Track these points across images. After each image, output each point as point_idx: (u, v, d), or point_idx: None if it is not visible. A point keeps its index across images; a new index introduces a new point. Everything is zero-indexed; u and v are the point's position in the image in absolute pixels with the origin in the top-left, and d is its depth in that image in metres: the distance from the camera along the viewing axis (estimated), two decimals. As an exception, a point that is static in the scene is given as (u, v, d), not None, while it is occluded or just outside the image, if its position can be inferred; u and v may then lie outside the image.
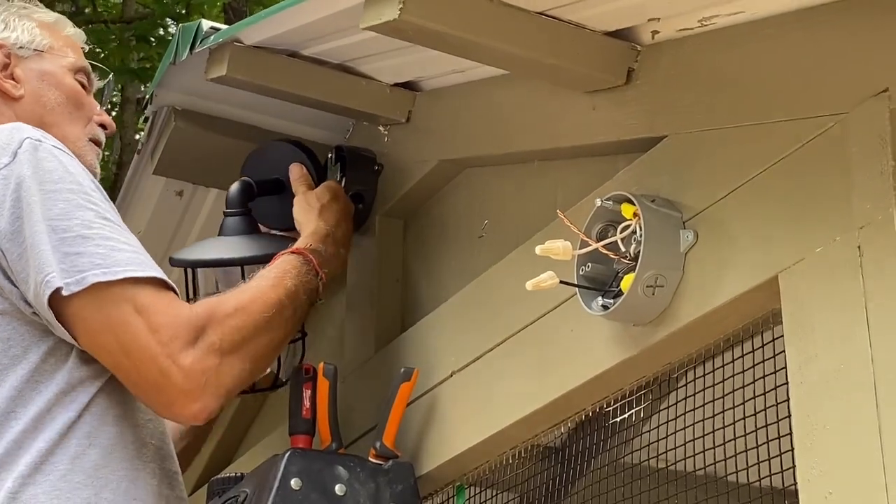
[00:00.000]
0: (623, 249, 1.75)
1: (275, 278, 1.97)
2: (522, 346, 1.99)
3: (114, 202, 1.90)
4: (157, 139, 2.59)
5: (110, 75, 2.37)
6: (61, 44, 2.14)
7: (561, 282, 1.74)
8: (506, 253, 2.12)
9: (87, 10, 8.39)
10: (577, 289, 1.78)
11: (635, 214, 1.73)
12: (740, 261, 1.62)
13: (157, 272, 1.78)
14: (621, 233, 1.74)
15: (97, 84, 2.22)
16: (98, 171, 2.09)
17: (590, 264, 1.78)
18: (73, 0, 7.17)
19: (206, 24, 2.34)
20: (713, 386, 1.78)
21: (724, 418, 1.79)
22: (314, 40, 2.25)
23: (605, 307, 1.75)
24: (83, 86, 2.13)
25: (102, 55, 7.21)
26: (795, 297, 1.53)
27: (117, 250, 1.76)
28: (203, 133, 2.56)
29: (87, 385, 1.77)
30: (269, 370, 2.26)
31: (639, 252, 1.71)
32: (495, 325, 2.06)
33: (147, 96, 2.58)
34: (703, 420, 1.81)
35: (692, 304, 1.68)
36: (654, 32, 1.83)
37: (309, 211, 2.25)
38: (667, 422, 1.88)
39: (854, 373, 1.43)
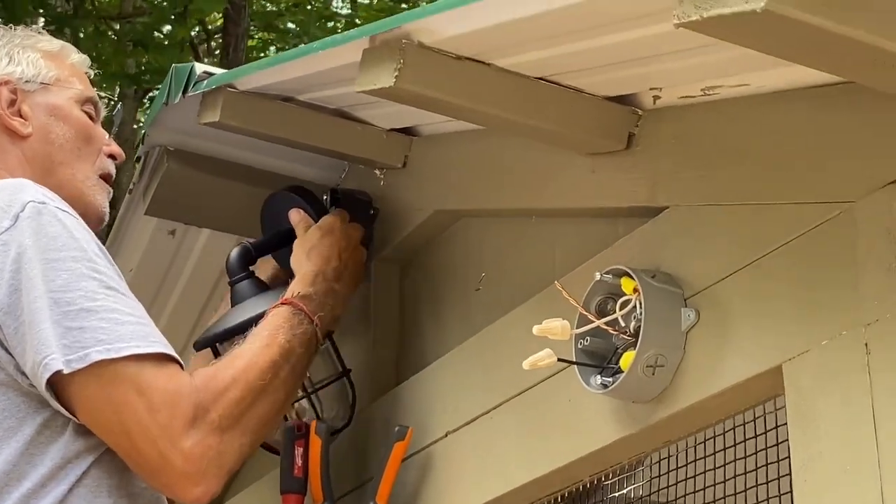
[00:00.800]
0: (623, 325, 1.71)
1: (268, 337, 1.91)
2: (519, 413, 1.95)
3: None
4: (149, 179, 2.55)
5: (119, 105, 2.32)
6: (67, 73, 2.07)
7: (559, 359, 1.70)
8: (503, 308, 2.08)
9: (86, 5, 8.33)
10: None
11: (635, 290, 1.69)
12: (743, 345, 1.58)
13: (160, 346, 1.72)
14: (621, 309, 1.70)
15: (104, 112, 2.16)
16: (107, 210, 2.04)
17: (588, 338, 1.74)
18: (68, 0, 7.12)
19: (200, 67, 2.29)
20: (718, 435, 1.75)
21: (724, 470, 1.76)
22: (311, 87, 2.20)
23: (604, 385, 1.71)
24: (90, 116, 2.06)
25: (101, 58, 7.16)
26: (800, 390, 1.49)
27: (121, 323, 1.69)
28: (195, 174, 2.52)
29: (83, 458, 1.72)
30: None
31: (639, 328, 1.67)
32: (492, 387, 2.02)
33: (140, 136, 2.53)
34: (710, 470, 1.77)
35: (693, 386, 1.64)
36: (656, 98, 1.79)
37: (300, 256, 2.19)
38: (669, 470, 1.84)
39: (860, 476, 1.39)
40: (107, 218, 2.05)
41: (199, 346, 2.25)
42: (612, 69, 1.71)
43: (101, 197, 2.02)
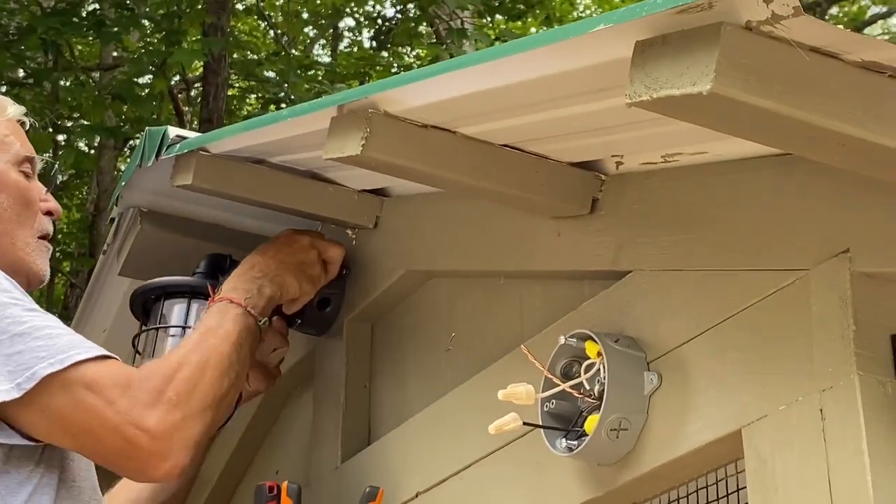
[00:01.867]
0: (588, 388, 1.73)
1: (201, 327, 2.02)
2: (488, 473, 1.97)
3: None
4: (123, 240, 2.57)
5: (56, 164, 2.30)
6: (3, 132, 2.02)
7: (525, 423, 1.73)
8: (474, 368, 2.10)
9: (66, 56, 8.36)
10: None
11: (599, 354, 1.71)
12: (704, 410, 1.61)
13: (98, 349, 1.79)
14: (586, 372, 1.73)
15: (40, 165, 2.09)
16: (48, 273, 2.02)
17: (554, 401, 1.77)
18: (46, 52, 7.14)
19: (173, 131, 2.32)
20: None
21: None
22: (282, 151, 2.23)
23: (569, 448, 1.73)
24: (27, 175, 2.02)
25: (81, 109, 7.20)
26: (759, 454, 1.52)
27: (55, 337, 1.75)
28: (169, 234, 2.54)
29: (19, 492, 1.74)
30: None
31: (603, 392, 1.70)
32: (461, 449, 2.04)
33: (113, 197, 2.55)
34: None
35: (656, 449, 1.66)
36: (619, 164, 1.82)
37: None
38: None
39: (817, 542, 1.41)
40: (47, 278, 2.04)
41: (132, 298, 2.37)
42: (574, 137, 1.75)
43: (41, 260, 2.01)
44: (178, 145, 2.27)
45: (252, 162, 2.30)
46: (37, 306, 1.80)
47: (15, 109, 2.11)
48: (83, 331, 2.79)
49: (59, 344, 1.74)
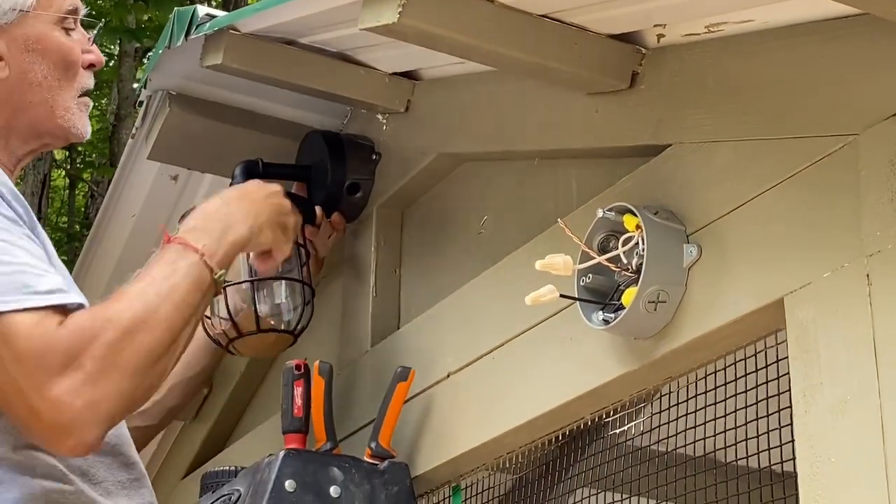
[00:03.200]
0: (625, 261, 1.71)
1: (145, 275, 1.73)
2: (521, 352, 1.96)
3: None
4: (152, 124, 2.55)
5: (99, 25, 2.13)
6: None
7: (561, 295, 1.71)
8: (505, 250, 2.08)
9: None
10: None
11: (638, 227, 1.69)
12: (745, 280, 1.59)
13: (40, 299, 1.59)
14: (623, 245, 1.70)
15: (84, 9, 1.93)
16: (88, 132, 1.90)
17: (591, 275, 1.75)
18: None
19: (202, 10, 2.29)
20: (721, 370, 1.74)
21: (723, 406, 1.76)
22: (313, 30, 2.20)
23: (606, 321, 1.71)
24: (69, 30, 1.88)
25: (102, 13, 7.12)
26: (801, 323, 1.50)
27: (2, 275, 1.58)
28: (198, 118, 2.52)
29: None
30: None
31: (641, 265, 1.68)
32: (494, 328, 2.03)
33: (142, 81, 2.53)
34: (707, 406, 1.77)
35: (694, 321, 1.65)
36: (660, 36, 1.79)
37: None
38: (670, 405, 1.84)
39: (860, 405, 1.40)
40: (87, 135, 1.92)
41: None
42: (615, 5, 1.71)
43: (80, 122, 1.88)
44: (207, 24, 2.24)
45: (282, 43, 2.27)
46: (16, 232, 1.63)
47: None
48: (113, 217, 2.79)
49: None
